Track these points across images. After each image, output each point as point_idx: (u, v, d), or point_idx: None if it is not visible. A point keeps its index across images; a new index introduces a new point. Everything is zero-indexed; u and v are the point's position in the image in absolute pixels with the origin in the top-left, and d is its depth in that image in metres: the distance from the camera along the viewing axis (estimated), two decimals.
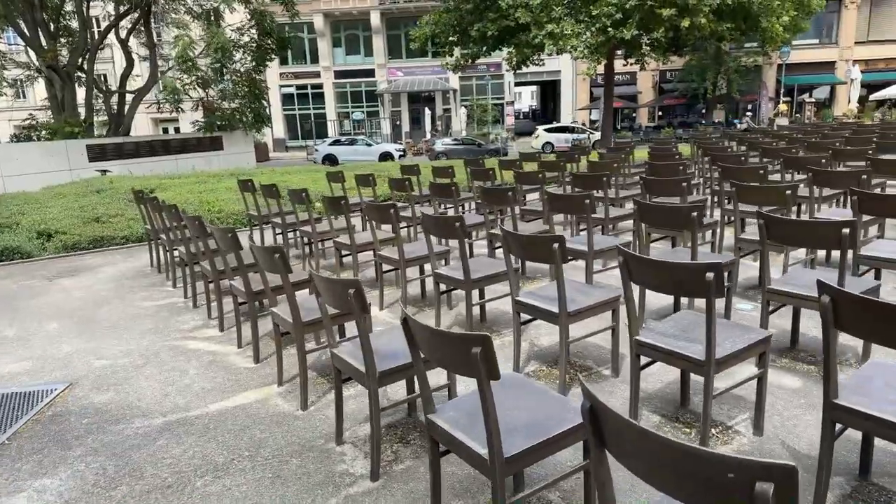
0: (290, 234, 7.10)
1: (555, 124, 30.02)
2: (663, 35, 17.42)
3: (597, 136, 26.16)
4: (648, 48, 19.33)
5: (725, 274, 3.86)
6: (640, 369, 2.85)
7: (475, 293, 4.18)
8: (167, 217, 5.47)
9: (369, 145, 27.85)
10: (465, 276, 3.83)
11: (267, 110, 24.16)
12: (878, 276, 3.86)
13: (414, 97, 35.50)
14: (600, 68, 20.86)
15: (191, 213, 6.08)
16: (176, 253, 5.78)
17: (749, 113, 30.71)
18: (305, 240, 6.44)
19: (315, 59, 35.57)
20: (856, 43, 31.51)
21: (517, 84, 35.84)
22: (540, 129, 29.29)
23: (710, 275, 2.36)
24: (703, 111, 32.26)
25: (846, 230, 2.95)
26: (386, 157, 25.83)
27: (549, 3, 18.08)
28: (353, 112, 36.27)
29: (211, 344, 4.46)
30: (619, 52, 20.89)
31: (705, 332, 2.46)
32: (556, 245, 3.07)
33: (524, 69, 22.80)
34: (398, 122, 35.60)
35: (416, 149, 30.71)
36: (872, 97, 28.02)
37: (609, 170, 6.75)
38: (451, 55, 22.32)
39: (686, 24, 16.62)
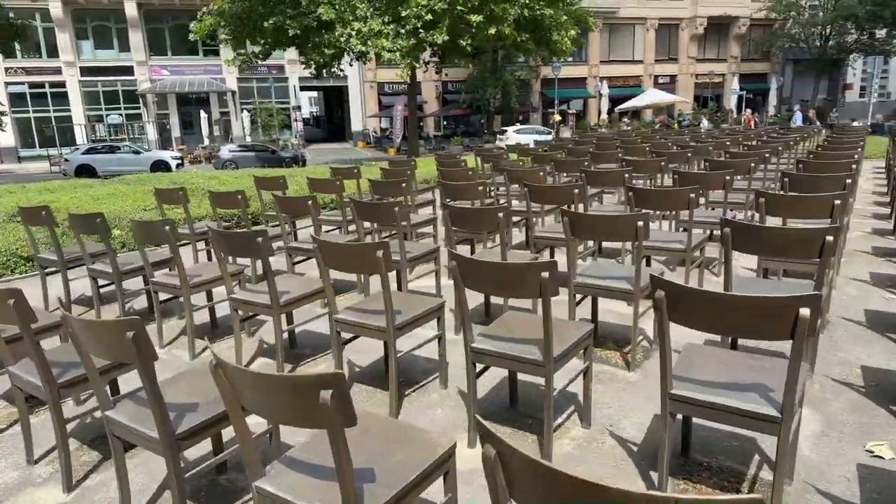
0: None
1: (519, 126, 29.79)
2: (469, 42, 18.05)
3: (566, 133, 25.58)
4: (455, 54, 19.94)
5: None
6: (477, 377, 2.72)
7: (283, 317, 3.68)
8: None
9: (137, 153, 24.18)
10: (272, 299, 3.33)
11: None
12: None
13: (184, 99, 32.21)
14: (390, 76, 20.85)
15: None
16: None
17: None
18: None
19: (54, 53, 30.18)
20: (601, 62, 36.74)
21: (301, 89, 34.73)
22: (510, 129, 28.59)
23: (544, 274, 2.29)
24: (482, 121, 34.76)
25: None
26: (159, 166, 22.74)
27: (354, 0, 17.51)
28: (108, 115, 31.65)
29: None
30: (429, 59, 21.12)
31: (542, 332, 2.40)
32: (379, 253, 2.79)
33: (310, 73, 21.74)
34: (168, 127, 32.01)
35: (194, 156, 27.91)
36: (617, 109, 32.93)
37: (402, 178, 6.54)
38: (240, 52, 20.30)
39: (493, 31, 17.41)
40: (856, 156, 5.71)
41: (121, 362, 2.54)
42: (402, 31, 17.35)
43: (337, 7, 17.30)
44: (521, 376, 3.05)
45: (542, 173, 5.43)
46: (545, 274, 2.30)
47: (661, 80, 37.57)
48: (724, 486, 2.38)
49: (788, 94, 39.16)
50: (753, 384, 2.19)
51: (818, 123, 25.79)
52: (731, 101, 34.86)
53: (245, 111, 31.57)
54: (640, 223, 3.00)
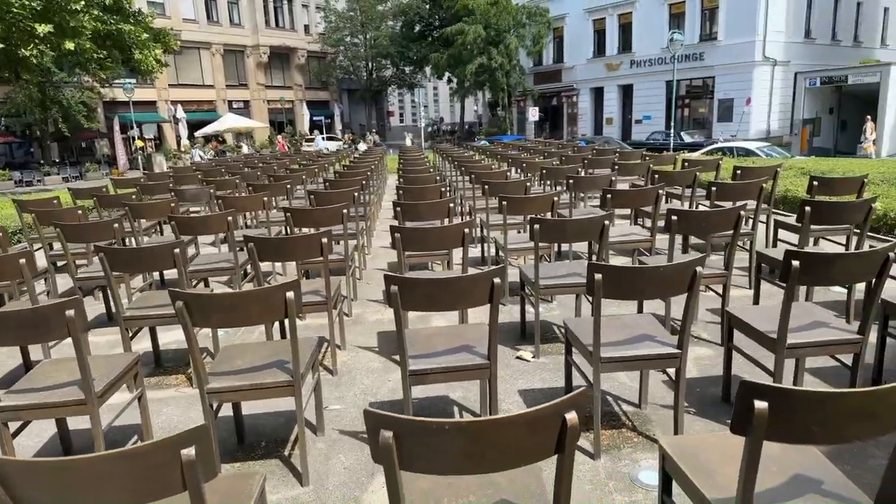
0: None
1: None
2: (36, 55, 14.92)
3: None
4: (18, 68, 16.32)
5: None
6: (13, 436, 2.56)
7: None
8: None
9: None
10: None
11: None
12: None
13: None
14: None
15: None
16: None
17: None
18: None
19: None
20: (170, 85, 34.72)
21: None
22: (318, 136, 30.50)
23: (70, 313, 2.35)
24: (31, 151, 28.85)
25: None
26: None
27: None
28: None
29: None
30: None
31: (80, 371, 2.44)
32: None
33: None
34: None
35: None
36: (197, 134, 31.80)
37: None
38: None
39: (71, 46, 14.81)
40: (369, 172, 7.29)
41: None
42: None
43: None
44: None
45: (79, 211, 5.07)
46: (70, 312, 2.37)
47: (235, 105, 38.25)
48: None
49: (349, 120, 45.06)
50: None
51: (356, 146, 31.03)
52: (304, 126, 38.06)
53: None
54: (177, 250, 3.27)
